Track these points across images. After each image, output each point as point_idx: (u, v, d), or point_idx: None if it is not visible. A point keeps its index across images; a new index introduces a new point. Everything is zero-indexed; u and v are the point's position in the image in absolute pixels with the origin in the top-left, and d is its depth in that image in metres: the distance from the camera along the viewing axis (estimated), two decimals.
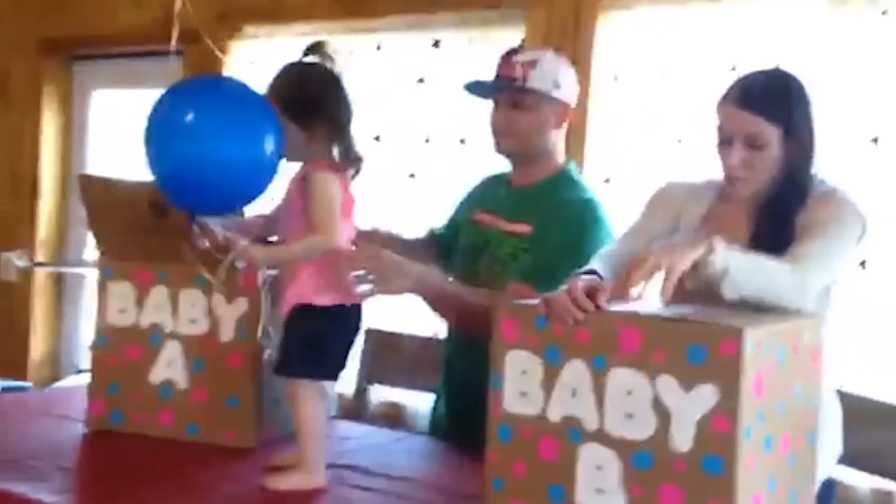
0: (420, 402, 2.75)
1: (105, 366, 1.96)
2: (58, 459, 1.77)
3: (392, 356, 2.55)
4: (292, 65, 1.73)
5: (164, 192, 1.68)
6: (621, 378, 1.28)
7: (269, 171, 1.66)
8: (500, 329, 1.40)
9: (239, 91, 1.69)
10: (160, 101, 1.65)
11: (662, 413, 1.24)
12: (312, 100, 1.67)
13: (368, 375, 2.55)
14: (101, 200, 1.98)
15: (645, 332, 1.27)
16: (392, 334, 2.57)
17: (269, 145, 1.63)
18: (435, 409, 2.25)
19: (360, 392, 2.56)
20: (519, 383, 1.37)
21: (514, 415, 1.37)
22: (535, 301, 1.39)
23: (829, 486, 1.66)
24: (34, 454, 1.78)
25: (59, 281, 4.11)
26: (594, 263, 1.56)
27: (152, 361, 1.91)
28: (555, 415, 1.34)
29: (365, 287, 1.73)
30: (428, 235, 2.25)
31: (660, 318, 1.30)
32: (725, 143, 1.59)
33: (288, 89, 1.68)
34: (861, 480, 2.08)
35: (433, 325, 2.58)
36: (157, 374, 1.91)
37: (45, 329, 4.08)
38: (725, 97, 1.60)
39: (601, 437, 1.29)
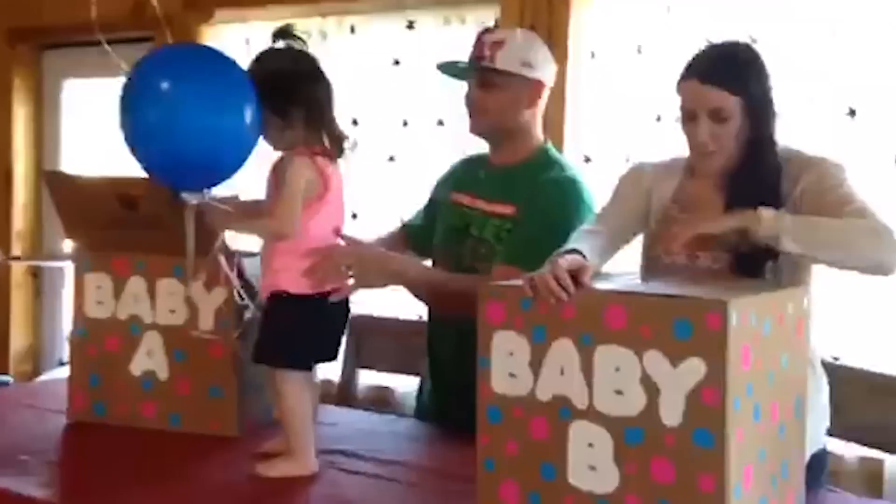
0: (407, 386, 2.76)
1: (85, 358, 1.95)
2: (43, 452, 1.76)
3: (377, 340, 2.55)
4: (263, 53, 1.71)
5: (139, 161, 1.67)
6: (608, 355, 1.28)
7: (243, 144, 1.64)
8: (484, 311, 1.40)
9: (212, 59, 1.68)
10: (135, 70, 1.65)
11: (651, 388, 1.25)
12: (283, 87, 1.65)
13: (354, 360, 2.55)
14: (70, 196, 1.96)
15: (630, 308, 1.27)
16: (377, 318, 2.57)
17: (243, 116, 1.61)
18: (421, 392, 2.25)
19: (347, 377, 2.56)
20: (507, 364, 1.37)
21: (503, 396, 1.37)
22: (519, 282, 1.39)
23: (821, 457, 1.68)
24: (19, 448, 1.77)
25: (36, 274, 4.07)
26: (574, 242, 1.56)
27: (132, 352, 1.91)
28: (544, 394, 1.34)
29: (348, 281, 1.73)
30: (400, 228, 2.24)
31: (644, 294, 1.31)
32: (690, 119, 1.61)
33: (258, 79, 1.66)
34: (849, 450, 2.11)
35: (417, 308, 2.58)
36: (138, 366, 1.91)
37: (25, 323, 4.04)
38: (685, 74, 1.62)
39: (591, 414, 1.30)
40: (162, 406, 1.89)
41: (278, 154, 1.69)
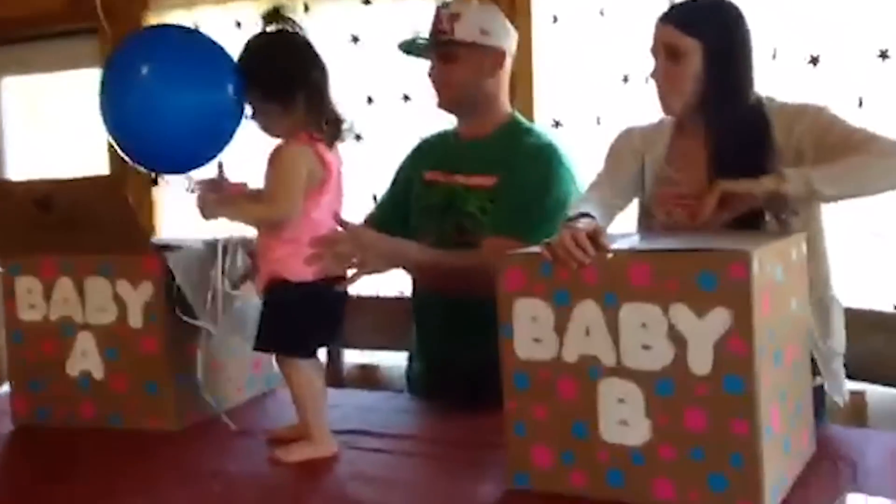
0: (391, 361, 2.76)
1: (23, 363, 1.93)
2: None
3: (361, 319, 2.54)
4: (255, 38, 1.68)
5: (119, 147, 1.66)
6: (634, 312, 1.31)
7: (226, 123, 1.62)
8: (504, 280, 1.41)
9: (188, 39, 1.68)
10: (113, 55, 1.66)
11: (679, 341, 1.29)
12: (281, 74, 1.63)
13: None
14: None
15: (653, 265, 1.30)
16: (358, 297, 2.56)
17: (226, 93, 1.60)
18: (410, 366, 2.26)
19: (333, 358, 2.56)
20: (531, 330, 1.39)
21: (528, 361, 1.40)
22: (537, 249, 1.41)
23: (820, 393, 1.74)
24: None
25: None
26: (581, 207, 1.58)
27: (67, 354, 1.89)
28: (570, 355, 1.37)
29: (350, 269, 1.72)
30: (372, 213, 2.24)
31: (667, 250, 1.34)
32: (654, 61, 1.66)
33: (251, 67, 1.63)
34: None
35: (397, 284, 2.59)
36: (74, 367, 1.89)
37: None
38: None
39: (620, 371, 1.33)
40: (100, 406, 1.87)
41: (277, 141, 1.67)
